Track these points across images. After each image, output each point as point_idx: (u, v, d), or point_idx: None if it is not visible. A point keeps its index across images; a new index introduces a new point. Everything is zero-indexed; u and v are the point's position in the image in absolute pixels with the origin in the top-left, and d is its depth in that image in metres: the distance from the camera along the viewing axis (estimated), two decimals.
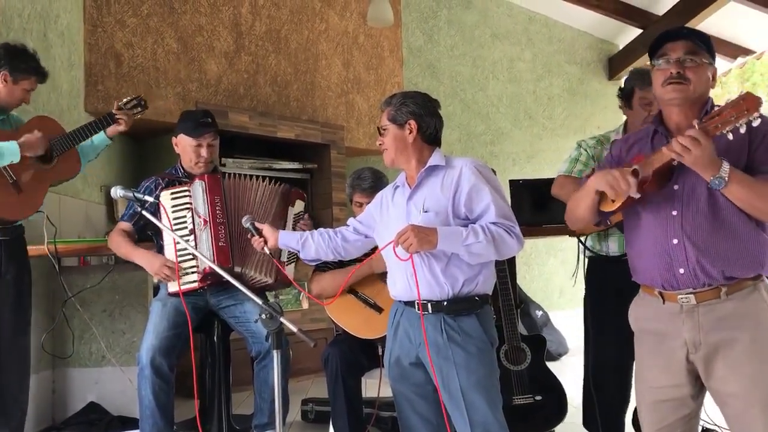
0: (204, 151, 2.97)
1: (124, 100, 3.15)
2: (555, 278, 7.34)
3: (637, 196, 1.89)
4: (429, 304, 2.23)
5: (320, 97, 6.01)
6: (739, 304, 1.86)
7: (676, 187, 1.93)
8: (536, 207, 3.58)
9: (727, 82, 8.32)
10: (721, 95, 8.36)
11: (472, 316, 2.24)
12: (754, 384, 1.82)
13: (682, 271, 1.88)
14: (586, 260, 3.02)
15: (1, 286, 2.71)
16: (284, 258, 2.94)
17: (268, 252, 2.53)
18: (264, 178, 3.07)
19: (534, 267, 7.32)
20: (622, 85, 2.99)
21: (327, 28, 6.13)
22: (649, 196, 1.96)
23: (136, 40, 4.85)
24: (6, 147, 2.59)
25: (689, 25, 6.38)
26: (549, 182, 3.02)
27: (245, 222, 2.56)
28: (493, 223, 2.16)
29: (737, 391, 1.84)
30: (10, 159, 2.59)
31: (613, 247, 2.87)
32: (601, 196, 2.01)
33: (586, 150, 2.95)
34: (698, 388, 1.95)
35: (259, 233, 2.53)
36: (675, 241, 1.90)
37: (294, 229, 3.00)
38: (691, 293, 1.88)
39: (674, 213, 1.91)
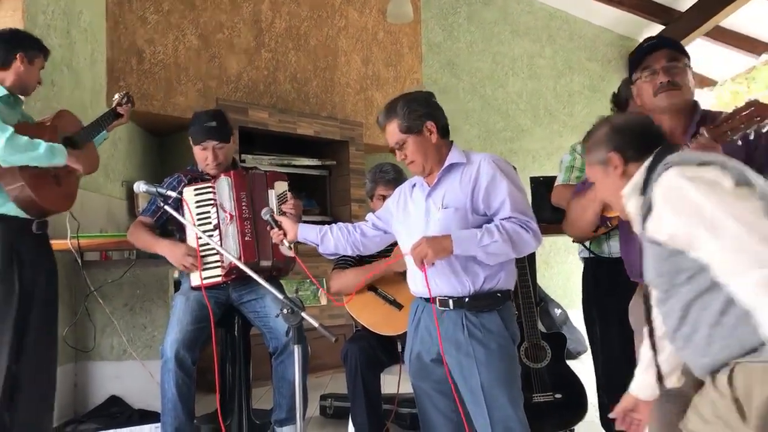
0: (210, 156, 2.94)
1: (117, 97, 3.16)
2: (574, 277, 7.25)
3: None
4: (450, 301, 2.22)
5: (339, 93, 6.02)
6: None
7: None
8: None
9: (756, 78, 8.21)
10: (747, 92, 8.27)
11: (494, 312, 2.21)
12: None
13: None
14: (584, 262, 3.01)
15: (40, 287, 2.70)
16: None
17: (287, 245, 2.52)
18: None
19: (554, 265, 7.28)
20: (616, 91, 2.97)
21: (346, 24, 6.13)
22: None
23: (158, 36, 4.88)
24: (59, 149, 2.63)
25: (711, 21, 6.31)
26: None
27: (264, 214, 2.55)
28: (508, 218, 2.13)
29: None
30: (59, 161, 2.63)
31: (615, 247, 2.86)
32: None
33: (581, 154, 2.95)
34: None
35: (279, 225, 2.53)
36: None
37: (279, 211, 2.93)
38: None
39: None
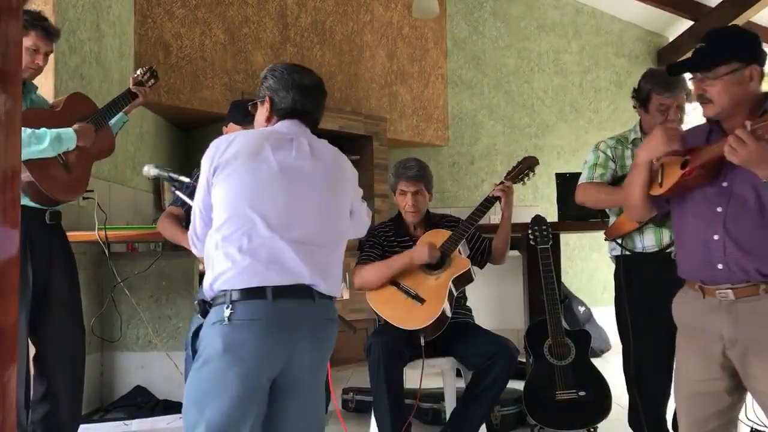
0: None
1: (139, 72, 3.06)
2: (598, 274, 7.23)
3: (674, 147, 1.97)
4: None
5: (363, 88, 6.02)
6: None
7: (724, 184, 1.93)
8: None
9: None
10: None
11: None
12: None
13: (720, 266, 1.89)
14: (615, 260, 2.97)
15: (56, 275, 2.69)
16: None
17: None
18: None
19: (577, 262, 7.23)
20: (637, 86, 2.92)
21: (372, 19, 6.13)
22: (697, 190, 1.97)
23: (185, 30, 4.92)
24: (66, 134, 2.57)
25: (743, 17, 6.18)
26: None
27: None
28: None
29: None
30: (68, 146, 2.58)
31: (648, 241, 2.81)
32: (651, 179, 2.06)
33: (604, 152, 2.92)
34: (735, 382, 1.92)
35: None
36: (716, 237, 1.90)
37: None
38: (729, 288, 1.88)
39: (719, 210, 1.91)
